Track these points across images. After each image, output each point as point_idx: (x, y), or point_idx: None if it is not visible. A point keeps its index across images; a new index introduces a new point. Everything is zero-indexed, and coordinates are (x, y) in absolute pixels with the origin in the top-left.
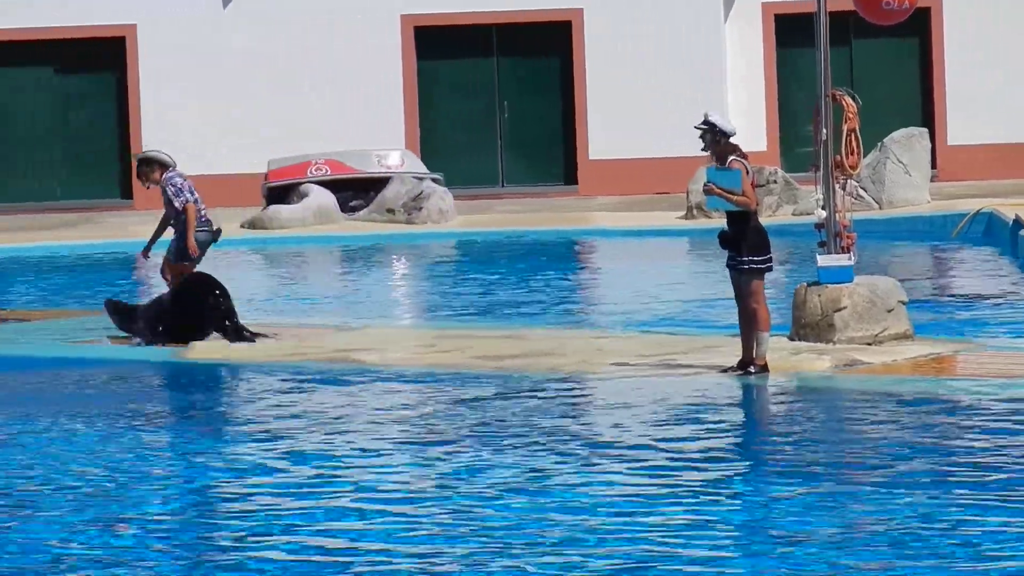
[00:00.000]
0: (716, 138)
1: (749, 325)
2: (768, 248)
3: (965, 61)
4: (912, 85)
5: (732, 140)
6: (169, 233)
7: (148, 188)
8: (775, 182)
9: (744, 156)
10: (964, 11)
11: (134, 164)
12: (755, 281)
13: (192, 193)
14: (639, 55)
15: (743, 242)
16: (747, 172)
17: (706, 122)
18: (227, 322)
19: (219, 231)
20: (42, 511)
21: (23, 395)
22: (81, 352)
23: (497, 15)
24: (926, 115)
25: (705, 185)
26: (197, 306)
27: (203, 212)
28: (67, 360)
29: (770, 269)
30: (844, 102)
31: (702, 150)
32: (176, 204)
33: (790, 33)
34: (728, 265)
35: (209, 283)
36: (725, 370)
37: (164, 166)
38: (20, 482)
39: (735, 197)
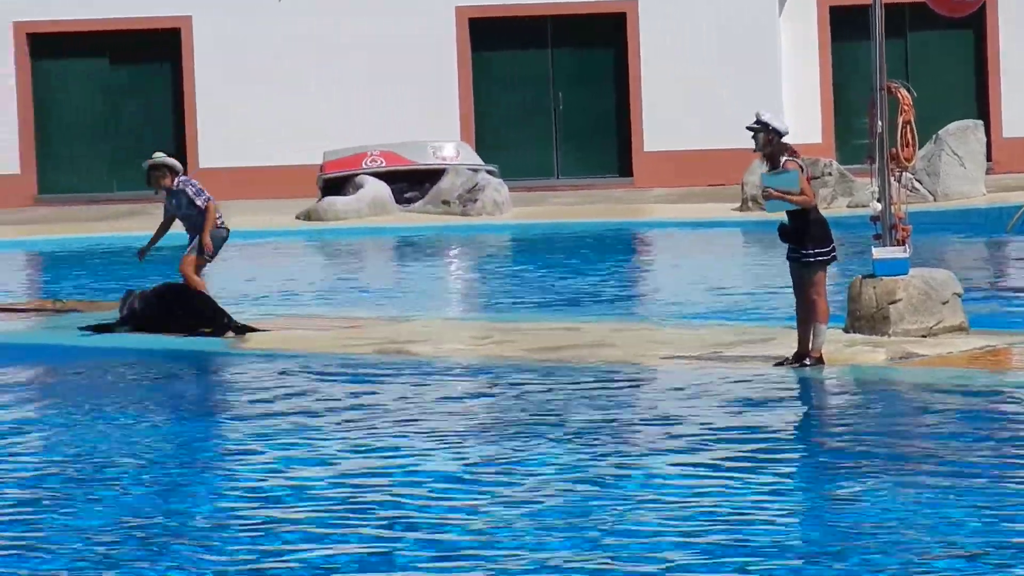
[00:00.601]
0: (769, 137)
1: (807, 317)
2: (831, 239)
3: (1020, 53)
4: (967, 77)
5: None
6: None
7: (157, 193)
8: (830, 174)
9: (796, 154)
10: (1019, 2)
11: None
12: (819, 273)
13: (206, 193)
14: (693, 46)
15: (806, 235)
16: (802, 170)
17: (759, 121)
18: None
19: (228, 231)
20: (122, 500)
21: (86, 385)
22: (136, 343)
23: (552, 7)
24: (981, 107)
25: (764, 191)
26: (166, 311)
27: (219, 213)
28: (124, 351)
29: (834, 260)
30: (899, 94)
31: (754, 150)
32: (199, 203)
33: (845, 26)
34: (789, 258)
35: (180, 297)
36: (780, 362)
37: (175, 171)
38: (104, 471)
39: (794, 197)
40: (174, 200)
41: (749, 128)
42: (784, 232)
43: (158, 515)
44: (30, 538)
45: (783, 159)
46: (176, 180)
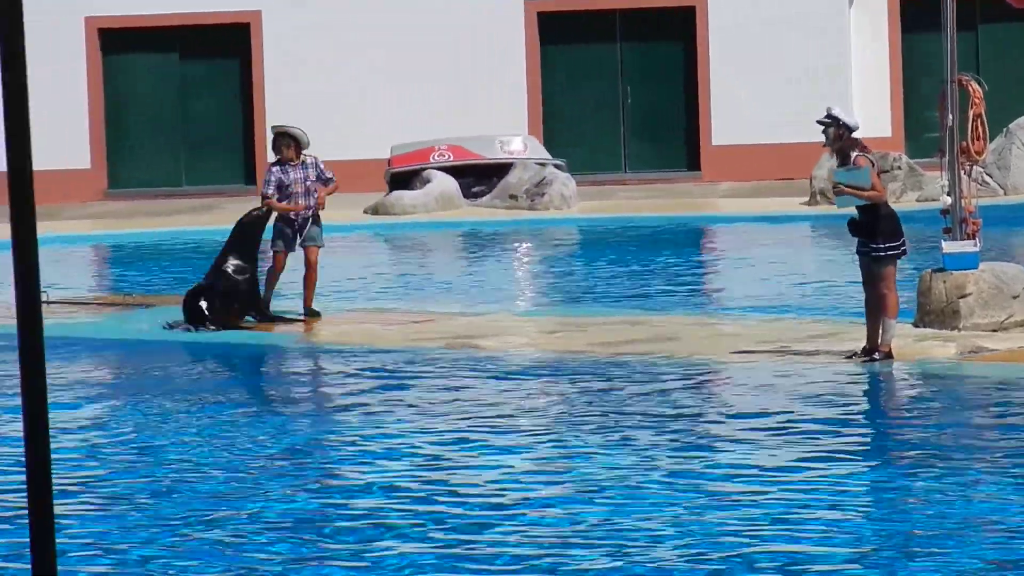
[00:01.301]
0: (840, 132)
1: (877, 312)
2: (902, 233)
3: None
4: None
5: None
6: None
7: (279, 159)
8: (899, 168)
9: (867, 149)
10: None
11: (270, 138)
12: (889, 267)
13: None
14: (762, 40)
15: (876, 230)
16: (872, 165)
17: (830, 116)
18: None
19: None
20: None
21: (156, 381)
22: (207, 337)
23: (621, 0)
24: None
25: (835, 187)
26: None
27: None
28: (194, 345)
29: (905, 254)
30: (970, 87)
31: (824, 145)
32: (330, 175)
33: (916, 18)
34: (859, 252)
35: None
36: (849, 356)
37: (300, 144)
38: (169, 467)
39: (865, 193)
40: (298, 173)
41: (820, 122)
42: (854, 226)
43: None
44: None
45: (854, 155)
46: (303, 154)
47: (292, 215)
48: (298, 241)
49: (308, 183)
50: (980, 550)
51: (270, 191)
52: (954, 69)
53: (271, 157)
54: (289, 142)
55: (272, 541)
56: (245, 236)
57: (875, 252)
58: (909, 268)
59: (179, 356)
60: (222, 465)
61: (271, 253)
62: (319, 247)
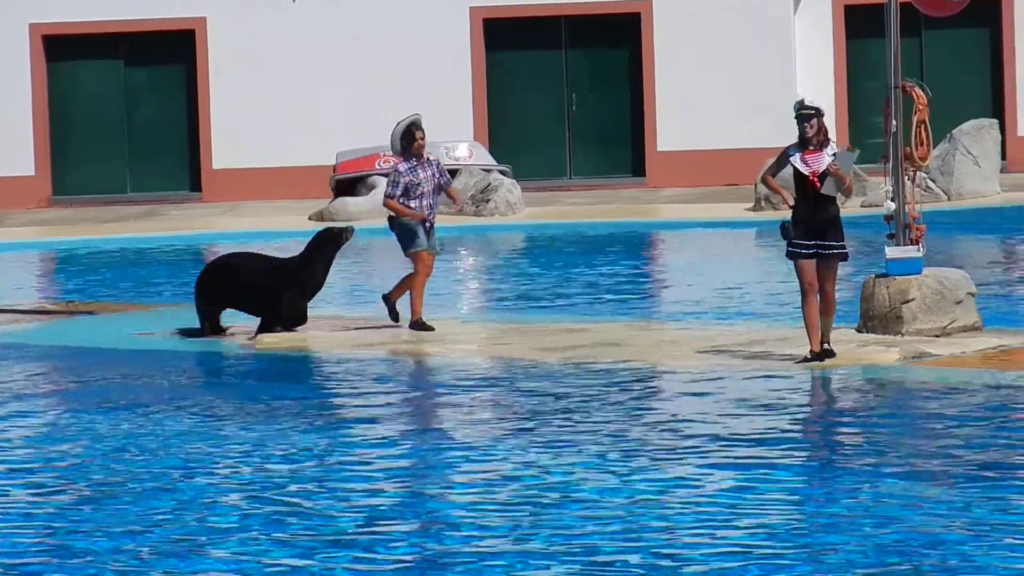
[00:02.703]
0: (821, 121)
1: (828, 312)
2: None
3: None
4: (982, 76)
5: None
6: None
7: (409, 160)
8: None
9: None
10: None
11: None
12: (838, 265)
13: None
14: (707, 46)
15: (837, 227)
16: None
17: (812, 107)
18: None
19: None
20: (126, 502)
21: (109, 387)
22: (151, 344)
23: (566, 7)
24: (996, 106)
25: (831, 165)
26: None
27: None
28: (138, 352)
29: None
30: (914, 93)
31: (809, 137)
32: (448, 177)
33: (860, 24)
34: (816, 253)
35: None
36: (803, 360)
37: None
38: (103, 473)
39: (847, 180)
40: (426, 171)
41: (804, 114)
42: (821, 225)
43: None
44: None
45: (833, 142)
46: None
47: (425, 214)
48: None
49: (436, 181)
50: (914, 550)
51: (398, 192)
52: (898, 75)
53: (216, 163)
54: (423, 133)
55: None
56: (321, 251)
57: (840, 250)
58: (853, 273)
59: (117, 363)
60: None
61: (410, 255)
62: (436, 251)
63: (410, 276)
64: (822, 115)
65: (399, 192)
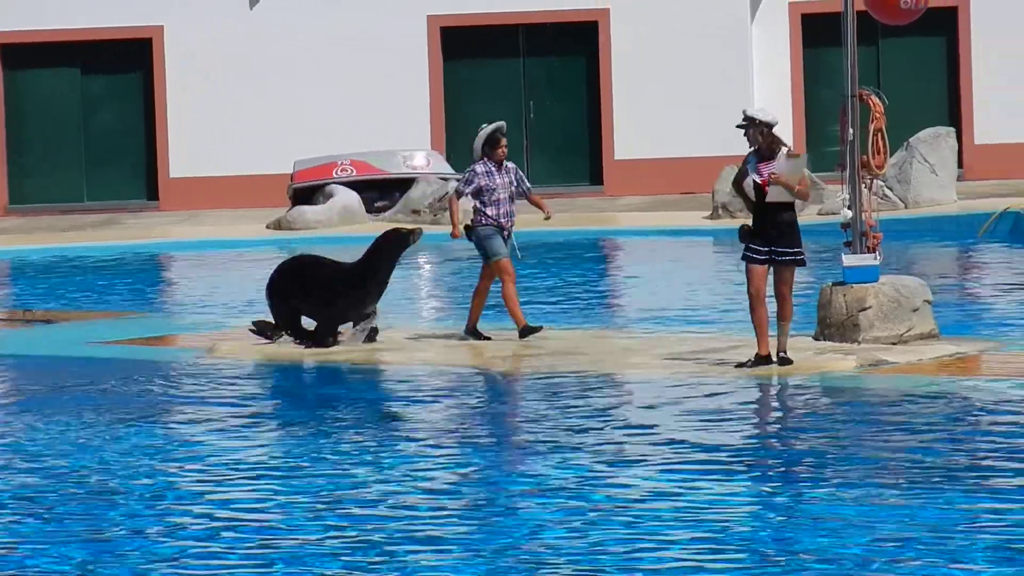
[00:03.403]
0: (760, 131)
1: (784, 318)
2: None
3: (992, 60)
4: (939, 84)
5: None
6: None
7: (497, 165)
8: None
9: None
10: (991, 9)
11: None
12: (793, 273)
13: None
14: (665, 55)
15: (794, 235)
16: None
17: (746, 118)
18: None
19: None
20: (73, 512)
21: (58, 397)
22: (109, 353)
23: (524, 15)
24: (953, 114)
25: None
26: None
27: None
28: (94, 360)
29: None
30: (871, 102)
31: (750, 147)
32: (528, 185)
33: (817, 32)
34: (770, 259)
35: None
36: (753, 363)
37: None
38: (53, 481)
39: (798, 187)
40: (505, 177)
41: (739, 127)
42: (745, 233)
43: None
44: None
45: (784, 149)
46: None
47: (503, 221)
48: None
49: (513, 188)
50: (872, 556)
51: (467, 190)
52: (855, 83)
53: (174, 172)
54: (505, 140)
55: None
56: (387, 253)
57: (796, 257)
58: (810, 281)
59: (72, 371)
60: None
61: (490, 264)
62: (520, 259)
63: (477, 297)
64: (768, 125)
65: (469, 191)
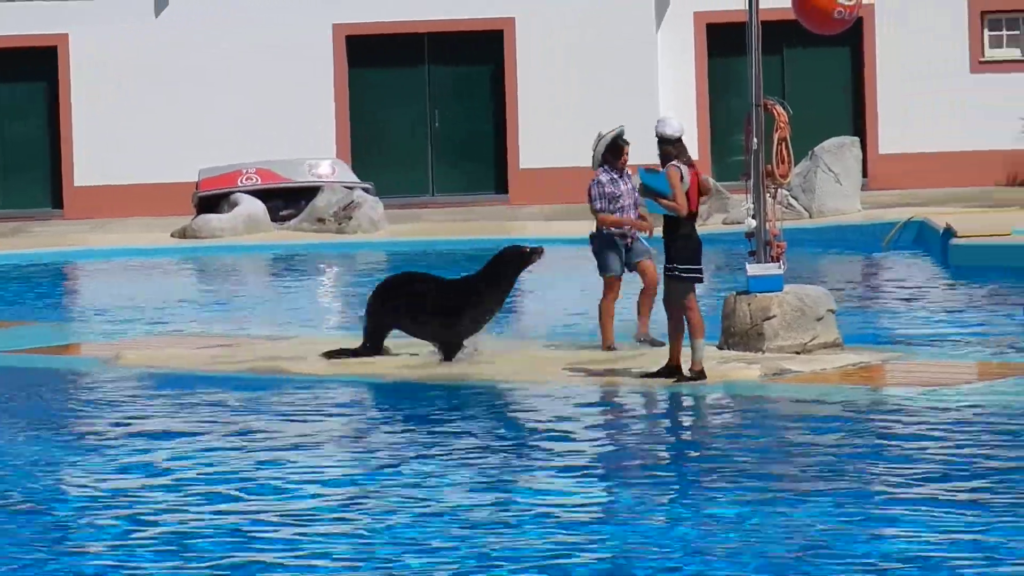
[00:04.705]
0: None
1: (676, 332)
2: (697, 259)
3: (896, 70)
4: (844, 94)
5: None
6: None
7: (617, 172)
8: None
9: (689, 163)
10: (895, 21)
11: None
12: (682, 289)
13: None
14: (571, 64)
15: (673, 249)
16: (681, 178)
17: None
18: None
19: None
20: None
21: None
22: (12, 361)
23: (429, 24)
24: (857, 124)
25: (640, 186)
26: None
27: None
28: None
29: (699, 280)
30: (775, 111)
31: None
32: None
33: (722, 42)
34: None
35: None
36: (651, 375)
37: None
38: None
39: (664, 201)
40: (626, 184)
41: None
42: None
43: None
44: None
45: (669, 164)
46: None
47: (627, 231)
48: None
49: (633, 197)
50: (777, 568)
51: (602, 204)
52: (759, 93)
53: (79, 180)
54: (628, 147)
55: None
56: (509, 269)
57: (669, 272)
58: (715, 290)
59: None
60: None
61: (603, 280)
62: (651, 257)
63: (605, 308)
64: (656, 135)
65: (603, 205)
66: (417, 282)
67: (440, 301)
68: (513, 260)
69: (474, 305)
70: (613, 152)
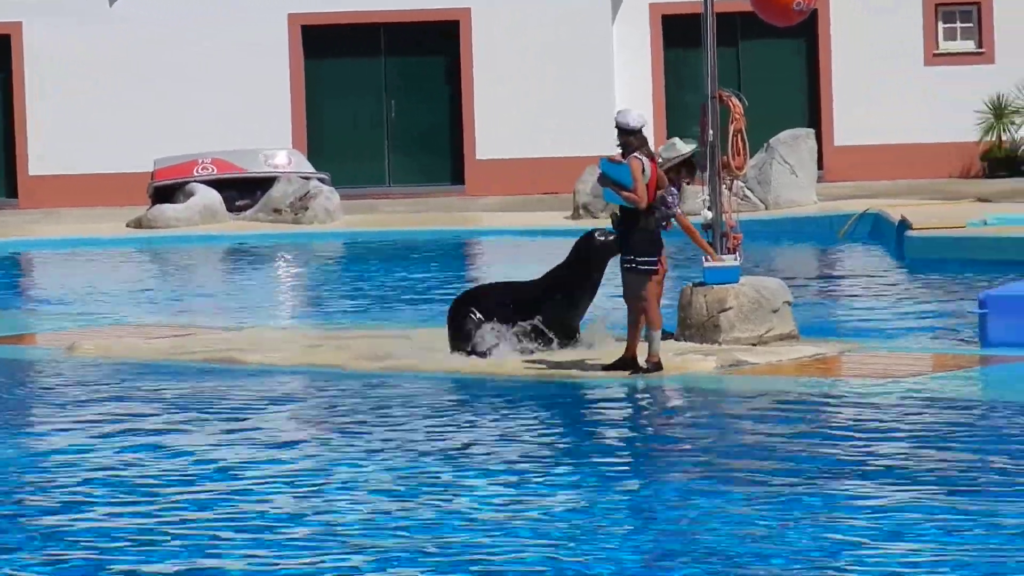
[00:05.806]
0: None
1: (635, 324)
2: (654, 251)
3: (851, 62)
4: (799, 86)
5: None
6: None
7: (688, 183)
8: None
9: (649, 156)
10: (851, 12)
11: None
12: (644, 280)
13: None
14: (527, 55)
15: (631, 241)
16: (643, 171)
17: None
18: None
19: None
20: None
21: None
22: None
23: (385, 14)
24: (813, 116)
25: (599, 175)
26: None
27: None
28: None
29: (655, 272)
30: (731, 103)
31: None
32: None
33: (677, 34)
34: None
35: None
36: (606, 367)
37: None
38: None
39: (624, 192)
40: (672, 196)
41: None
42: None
43: None
44: None
45: (630, 155)
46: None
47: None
48: None
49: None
50: (731, 561)
51: (679, 202)
52: (715, 84)
53: (33, 170)
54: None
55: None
56: (591, 263)
57: (626, 264)
58: (671, 282)
59: None
60: None
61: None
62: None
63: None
64: (616, 127)
65: (679, 202)
66: (502, 286)
67: (533, 296)
68: (604, 253)
69: (569, 293)
70: (688, 168)
